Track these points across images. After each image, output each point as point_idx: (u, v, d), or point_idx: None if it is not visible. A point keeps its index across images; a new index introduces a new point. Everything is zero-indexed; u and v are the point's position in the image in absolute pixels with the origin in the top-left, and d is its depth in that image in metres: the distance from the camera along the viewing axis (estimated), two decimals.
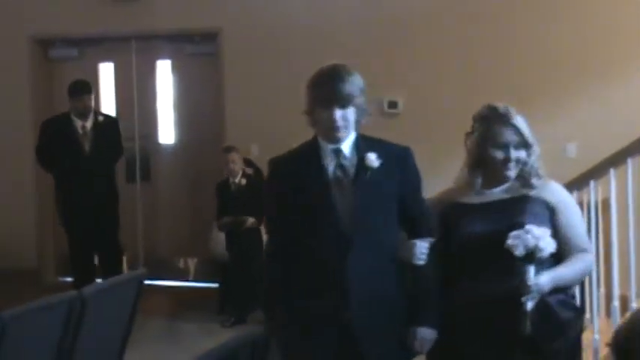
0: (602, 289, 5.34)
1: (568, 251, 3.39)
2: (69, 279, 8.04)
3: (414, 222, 3.40)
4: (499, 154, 3.48)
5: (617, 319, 4.90)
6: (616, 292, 5.06)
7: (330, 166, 3.37)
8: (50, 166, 7.65)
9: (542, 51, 7.70)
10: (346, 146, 3.40)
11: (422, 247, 3.33)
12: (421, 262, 3.32)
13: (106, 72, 9.11)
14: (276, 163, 3.56)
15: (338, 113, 3.41)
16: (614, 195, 5.08)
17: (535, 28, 7.72)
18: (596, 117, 7.53)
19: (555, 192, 3.49)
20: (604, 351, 4.80)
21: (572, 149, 7.55)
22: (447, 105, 7.87)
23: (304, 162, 3.45)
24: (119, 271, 7.48)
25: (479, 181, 3.54)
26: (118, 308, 4.70)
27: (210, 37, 8.59)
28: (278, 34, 8.27)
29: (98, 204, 7.48)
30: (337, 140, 3.40)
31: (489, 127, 3.55)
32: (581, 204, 5.00)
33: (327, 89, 3.55)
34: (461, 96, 7.93)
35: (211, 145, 8.44)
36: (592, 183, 5.19)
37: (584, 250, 3.43)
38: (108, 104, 9.02)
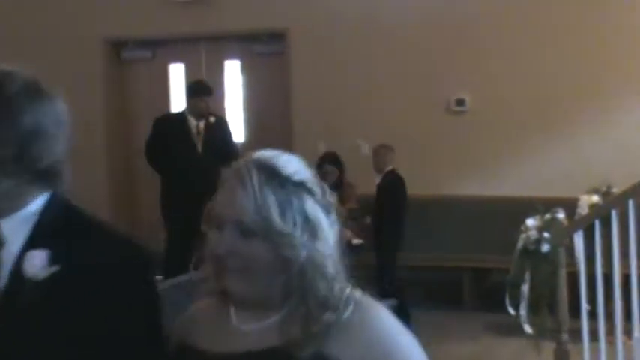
0: None
1: None
2: None
3: None
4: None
5: None
6: None
7: None
8: (159, 163, 7.50)
9: (607, 49, 7.64)
10: (9, 228, 1.73)
11: None
12: None
13: (177, 72, 9.28)
14: None
15: None
16: None
17: (603, 25, 7.66)
18: None
19: (371, 338, 1.71)
20: None
21: None
22: (513, 103, 7.86)
23: None
24: None
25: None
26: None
27: (277, 36, 8.69)
28: (345, 33, 8.34)
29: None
30: None
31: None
32: None
33: None
34: (528, 94, 7.92)
35: (280, 143, 8.52)
36: None
37: None
38: (178, 104, 9.18)
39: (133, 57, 9.33)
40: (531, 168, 7.81)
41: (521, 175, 7.82)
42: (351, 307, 1.70)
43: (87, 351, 1.65)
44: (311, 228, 1.68)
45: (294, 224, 1.67)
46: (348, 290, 1.71)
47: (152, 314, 1.75)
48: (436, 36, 8.07)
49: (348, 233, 7.78)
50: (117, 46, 9.29)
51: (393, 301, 4.16)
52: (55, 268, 1.67)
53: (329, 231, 1.70)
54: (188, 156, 7.34)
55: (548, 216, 5.97)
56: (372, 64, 8.26)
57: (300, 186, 1.69)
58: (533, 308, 5.94)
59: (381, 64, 8.23)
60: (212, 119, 7.56)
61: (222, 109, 9.05)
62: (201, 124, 7.44)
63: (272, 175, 1.68)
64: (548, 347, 5.37)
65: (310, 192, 1.70)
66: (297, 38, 8.53)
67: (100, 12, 9.07)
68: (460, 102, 8.07)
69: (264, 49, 8.91)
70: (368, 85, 8.28)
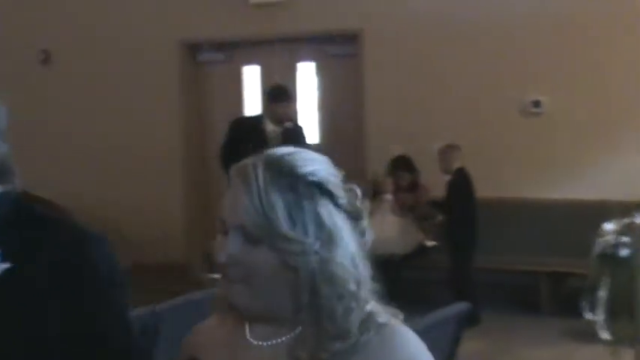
0: None
1: None
2: (216, 275, 8.23)
3: None
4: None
5: None
6: None
7: None
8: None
9: None
10: None
11: None
12: None
13: (251, 74, 9.34)
14: None
15: None
16: None
17: None
18: None
19: None
20: None
21: None
22: (590, 105, 7.71)
23: None
24: None
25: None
26: None
27: (351, 37, 8.68)
28: (419, 34, 8.28)
29: None
30: None
31: None
32: None
33: None
34: (606, 96, 7.77)
35: (353, 145, 8.53)
36: None
37: None
38: (253, 106, 9.25)
39: (208, 59, 9.42)
40: (608, 170, 7.63)
41: (599, 178, 7.65)
42: (371, 333, 1.46)
43: (44, 349, 1.55)
44: (327, 236, 1.44)
45: (305, 230, 1.44)
46: (370, 308, 1.48)
47: (110, 308, 1.61)
48: (511, 36, 7.96)
49: (421, 236, 7.75)
50: (192, 49, 9.39)
51: (465, 304, 4.09)
52: (6, 265, 1.57)
53: (350, 241, 1.46)
54: None
55: (626, 220, 5.83)
56: (445, 64, 8.19)
57: (317, 187, 1.46)
58: (611, 314, 5.81)
59: (455, 65, 8.15)
60: (289, 124, 7.54)
61: (296, 111, 9.08)
62: (278, 129, 7.40)
63: (281, 174, 1.45)
64: (627, 354, 5.24)
65: (330, 195, 1.47)
66: (371, 39, 8.51)
67: (176, 15, 9.18)
68: (536, 104, 7.94)
69: (338, 51, 8.91)
70: (441, 86, 8.21)
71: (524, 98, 7.93)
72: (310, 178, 1.46)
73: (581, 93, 7.79)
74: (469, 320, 4.69)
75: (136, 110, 9.37)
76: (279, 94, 7.40)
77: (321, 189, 1.47)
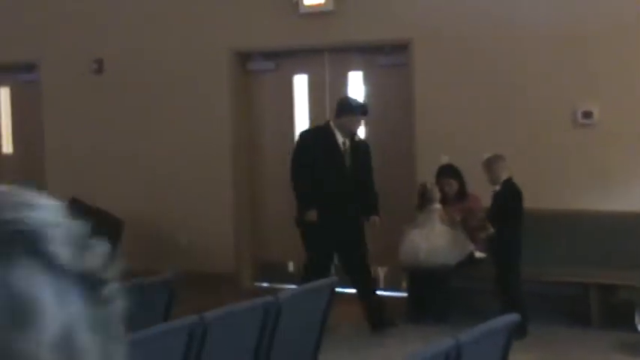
0: None
1: None
2: (265, 284, 8.29)
3: None
4: None
5: None
6: None
7: None
8: (305, 176, 7.33)
9: None
10: None
11: None
12: None
13: (301, 83, 9.39)
14: None
15: None
16: None
17: None
18: None
19: None
20: None
21: None
22: None
23: None
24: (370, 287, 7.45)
25: None
26: (311, 314, 4.84)
27: (401, 47, 8.68)
28: (468, 45, 8.25)
29: (352, 223, 7.29)
30: None
31: None
32: None
33: None
34: None
35: (403, 156, 8.53)
36: None
37: None
38: (302, 115, 9.29)
39: (258, 68, 9.49)
40: None
41: None
42: None
43: None
44: (18, 311, 0.93)
45: None
46: None
47: None
48: (563, 47, 7.90)
49: (471, 246, 7.72)
50: (242, 57, 9.46)
51: (514, 316, 4.07)
52: None
53: (59, 317, 0.93)
54: (338, 168, 7.30)
55: None
56: (495, 75, 8.16)
57: (19, 241, 0.94)
58: None
59: (505, 76, 8.12)
60: (357, 138, 7.57)
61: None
62: (348, 141, 7.40)
63: None
64: None
65: (42, 254, 0.95)
66: (421, 49, 8.49)
67: (226, 23, 9.27)
68: (587, 114, 7.86)
69: (388, 61, 8.91)
70: (491, 97, 8.18)
71: (576, 108, 7.87)
72: (10, 227, 0.94)
73: (631, 104, 7.71)
74: (517, 332, 4.67)
75: (187, 119, 9.46)
76: (356, 107, 7.39)
77: (26, 244, 0.95)
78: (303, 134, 7.76)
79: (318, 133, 7.55)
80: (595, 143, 7.85)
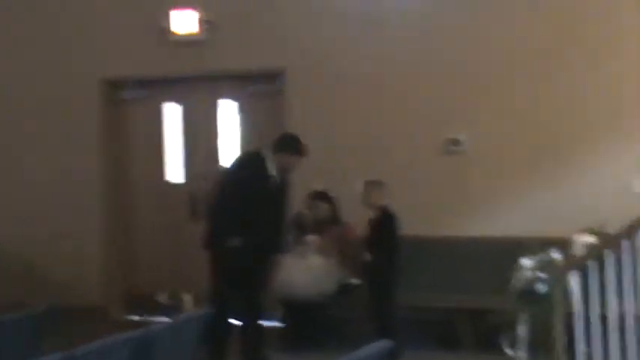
0: None
1: None
2: (135, 317, 8.10)
3: None
4: None
5: None
6: None
7: None
8: (234, 203, 7.05)
9: (600, 93, 7.70)
10: None
11: None
12: None
13: (172, 112, 9.30)
14: None
15: None
16: None
17: (597, 66, 7.72)
18: None
19: None
20: None
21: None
22: (508, 144, 7.89)
23: None
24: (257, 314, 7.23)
25: None
26: (184, 346, 4.77)
27: (273, 76, 8.71)
28: (342, 74, 8.37)
29: (266, 257, 7.15)
30: None
31: None
32: None
33: None
34: (522, 135, 7.97)
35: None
36: None
37: None
38: (174, 143, 9.19)
39: (130, 96, 9.36)
40: (525, 207, 7.80)
41: (515, 215, 7.81)
42: None
43: None
44: None
45: None
46: None
47: None
48: (429, 78, 8.11)
49: (346, 274, 7.77)
50: (113, 85, 9.31)
51: (386, 342, 4.11)
52: None
53: None
54: (266, 199, 7.05)
55: (543, 256, 5.94)
56: (368, 104, 8.29)
57: None
58: (531, 349, 5.89)
59: (378, 105, 8.26)
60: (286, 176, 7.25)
61: (218, 148, 9.07)
62: (278, 177, 7.10)
63: None
64: None
65: None
66: (294, 78, 8.55)
67: (98, 52, 9.12)
68: (455, 142, 8.08)
69: (260, 89, 8.93)
70: (364, 126, 8.30)
71: (444, 136, 8.06)
72: None
73: (497, 133, 7.97)
74: (390, 358, 4.70)
75: (55, 147, 9.23)
76: (300, 149, 7.12)
77: None
78: (244, 157, 7.44)
79: (256, 163, 7.19)
80: (461, 170, 8.07)
